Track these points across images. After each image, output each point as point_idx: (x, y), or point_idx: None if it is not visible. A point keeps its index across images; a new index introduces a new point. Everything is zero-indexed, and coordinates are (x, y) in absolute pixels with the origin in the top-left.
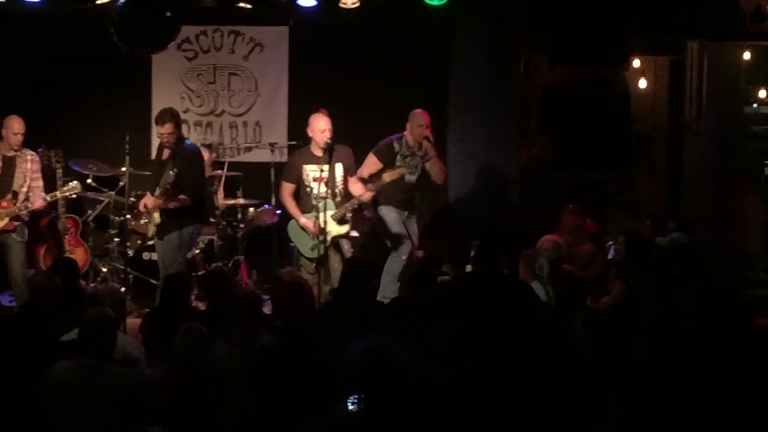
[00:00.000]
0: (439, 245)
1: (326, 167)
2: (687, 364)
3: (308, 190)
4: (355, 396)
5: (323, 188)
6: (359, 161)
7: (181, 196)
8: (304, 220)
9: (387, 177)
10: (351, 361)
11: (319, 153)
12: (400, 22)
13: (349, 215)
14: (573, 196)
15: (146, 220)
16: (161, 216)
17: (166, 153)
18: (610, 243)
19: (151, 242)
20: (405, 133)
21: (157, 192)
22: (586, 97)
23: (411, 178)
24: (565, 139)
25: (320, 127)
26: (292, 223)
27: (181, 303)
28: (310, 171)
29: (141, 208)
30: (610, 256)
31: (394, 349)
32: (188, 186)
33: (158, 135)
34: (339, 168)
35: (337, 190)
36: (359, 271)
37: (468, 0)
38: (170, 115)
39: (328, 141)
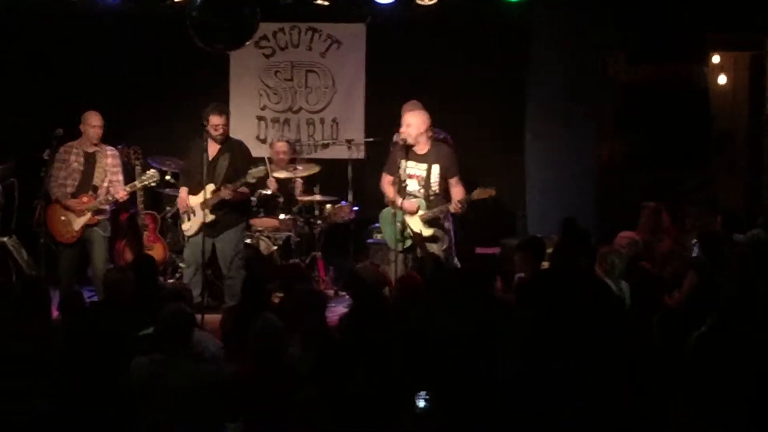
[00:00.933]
0: (514, 243)
1: (423, 166)
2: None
3: (404, 185)
4: (426, 393)
5: (417, 185)
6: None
7: (242, 189)
8: (402, 201)
9: (476, 195)
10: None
11: (420, 150)
12: (477, 18)
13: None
14: (651, 194)
15: (188, 220)
16: (217, 213)
17: (213, 149)
18: (695, 241)
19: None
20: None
21: (211, 188)
22: (665, 94)
23: None
24: (643, 137)
25: (407, 121)
26: (384, 212)
27: (262, 300)
28: (409, 167)
29: (182, 207)
30: (694, 254)
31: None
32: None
33: (214, 127)
34: (436, 168)
35: (431, 191)
36: (439, 267)
37: None
38: (227, 108)
39: (417, 137)
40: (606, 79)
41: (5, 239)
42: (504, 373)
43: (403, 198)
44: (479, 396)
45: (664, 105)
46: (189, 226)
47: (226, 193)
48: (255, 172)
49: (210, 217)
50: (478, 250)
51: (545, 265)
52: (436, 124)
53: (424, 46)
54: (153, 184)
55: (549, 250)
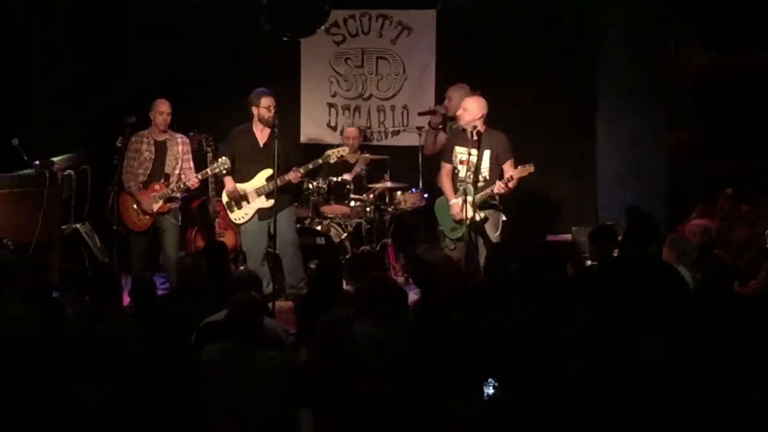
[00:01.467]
0: (585, 230)
1: (474, 151)
2: None
3: (456, 171)
4: (493, 380)
5: (468, 172)
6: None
7: (297, 170)
8: (453, 201)
9: (516, 174)
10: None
11: (470, 136)
12: (548, 5)
13: (493, 201)
14: (726, 183)
15: (238, 208)
16: (276, 196)
17: (262, 134)
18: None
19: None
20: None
21: (266, 173)
22: (741, 81)
23: None
24: (719, 126)
25: (466, 106)
26: (439, 200)
27: (333, 286)
28: (459, 153)
29: (232, 196)
30: None
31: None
32: (293, 161)
33: (268, 108)
34: (487, 154)
35: (481, 176)
36: (502, 256)
37: None
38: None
39: (476, 125)
40: (679, 66)
41: (78, 226)
42: (572, 364)
43: (456, 187)
44: (547, 386)
45: (739, 93)
46: (243, 215)
47: (294, 176)
48: (335, 153)
49: (269, 203)
50: (550, 238)
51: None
52: (506, 111)
53: (495, 32)
54: (225, 172)
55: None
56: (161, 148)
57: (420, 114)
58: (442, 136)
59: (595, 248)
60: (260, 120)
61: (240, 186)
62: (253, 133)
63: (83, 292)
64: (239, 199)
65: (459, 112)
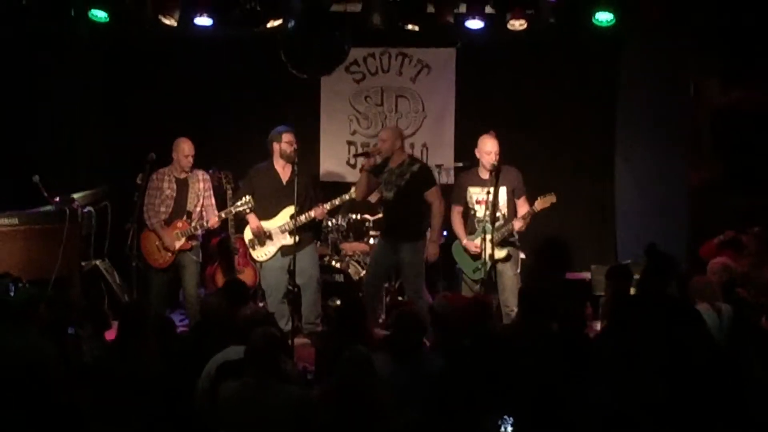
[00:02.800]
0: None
1: (491, 189)
2: None
3: (472, 212)
4: (510, 417)
5: (486, 210)
6: (527, 182)
7: (323, 206)
8: (466, 240)
9: (538, 206)
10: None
11: (485, 175)
12: (567, 42)
13: (512, 238)
14: (747, 220)
15: (261, 246)
16: (299, 233)
17: (285, 171)
18: None
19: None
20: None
21: (290, 211)
22: (761, 118)
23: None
24: (738, 162)
25: (486, 148)
26: (456, 243)
27: (357, 325)
28: (474, 193)
29: (256, 234)
30: None
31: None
32: (314, 197)
33: (290, 143)
34: (503, 190)
35: (499, 214)
36: (532, 299)
37: (637, 20)
38: None
39: (494, 163)
40: (698, 104)
41: (98, 262)
42: (592, 402)
43: (473, 226)
44: (567, 425)
45: (759, 129)
46: (265, 252)
47: (320, 212)
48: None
49: (291, 240)
50: (569, 276)
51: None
52: (526, 148)
53: (514, 70)
54: (248, 211)
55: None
56: (183, 186)
57: (356, 155)
58: (373, 180)
59: (609, 285)
60: (282, 156)
61: (263, 224)
62: (275, 171)
63: (100, 329)
64: (263, 236)
65: (477, 154)
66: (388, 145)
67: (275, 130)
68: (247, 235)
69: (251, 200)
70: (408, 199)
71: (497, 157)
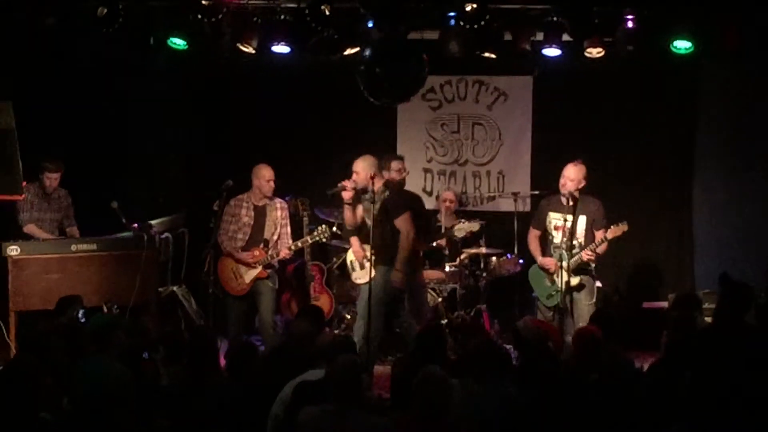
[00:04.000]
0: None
1: (569, 217)
2: None
3: (550, 237)
4: None
5: (563, 237)
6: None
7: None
8: (542, 258)
9: (611, 234)
10: None
11: (566, 202)
12: (645, 70)
13: (588, 267)
14: None
15: (360, 269)
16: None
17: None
18: None
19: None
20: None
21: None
22: None
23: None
24: None
25: (568, 175)
26: (532, 268)
27: (436, 352)
28: (554, 219)
29: (359, 257)
30: None
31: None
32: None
33: (398, 171)
34: (582, 220)
35: (576, 242)
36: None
37: (715, 47)
38: None
39: (571, 192)
40: None
41: (175, 288)
42: None
43: (549, 251)
44: None
45: None
46: (364, 274)
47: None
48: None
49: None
50: (646, 305)
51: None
52: (604, 176)
53: (591, 98)
54: (324, 240)
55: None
56: (260, 213)
57: (329, 193)
58: (359, 209)
59: (676, 315)
60: (391, 183)
61: (366, 246)
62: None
63: (175, 354)
64: (363, 259)
65: (563, 182)
66: (362, 176)
67: (386, 157)
68: (350, 256)
69: (327, 230)
70: (383, 225)
71: (575, 186)
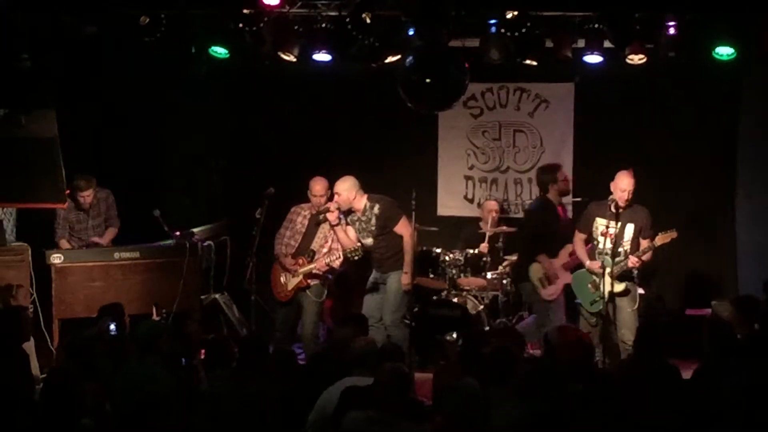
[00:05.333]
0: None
1: (617, 224)
2: None
3: (595, 242)
4: None
5: (608, 244)
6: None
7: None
8: (589, 262)
9: (659, 241)
10: None
11: (615, 209)
12: (687, 76)
13: (632, 275)
14: None
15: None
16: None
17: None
18: None
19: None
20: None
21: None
22: None
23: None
24: None
25: (622, 185)
26: (575, 274)
27: (479, 359)
28: (600, 224)
29: (547, 271)
30: None
31: None
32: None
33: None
34: (630, 228)
35: (621, 249)
36: (648, 337)
37: (757, 52)
38: None
39: (627, 199)
40: None
41: (217, 296)
42: None
43: (594, 257)
44: None
45: None
46: (553, 290)
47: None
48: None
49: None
50: (688, 312)
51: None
52: (647, 183)
53: (633, 105)
54: (356, 257)
55: None
56: (314, 224)
57: (320, 217)
58: (350, 229)
59: (734, 319)
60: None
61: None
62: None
63: (220, 359)
64: (552, 275)
65: (615, 190)
66: (344, 198)
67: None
68: (537, 273)
69: (359, 248)
70: (385, 239)
71: (630, 195)
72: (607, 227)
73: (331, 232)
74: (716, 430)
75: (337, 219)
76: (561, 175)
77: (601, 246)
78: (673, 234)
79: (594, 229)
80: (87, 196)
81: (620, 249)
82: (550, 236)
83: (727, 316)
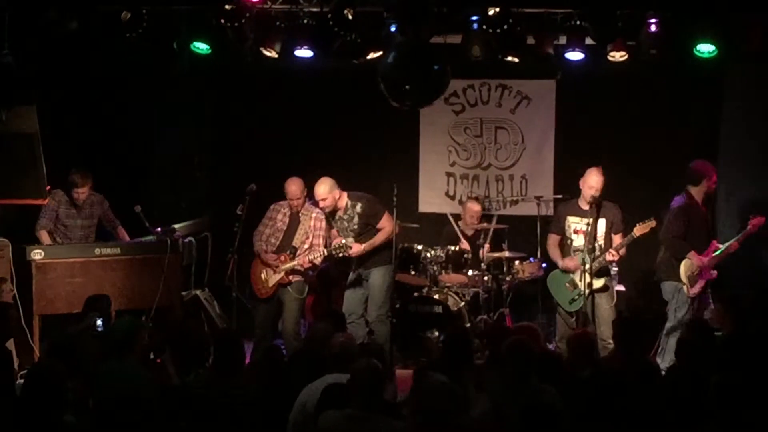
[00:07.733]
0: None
1: (590, 221)
2: None
3: (569, 242)
4: None
5: (582, 241)
6: (627, 214)
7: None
8: (563, 260)
9: (638, 231)
10: None
11: (585, 206)
12: (669, 74)
13: (612, 271)
14: None
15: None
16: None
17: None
18: None
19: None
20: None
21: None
22: None
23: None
24: None
25: (590, 182)
26: (551, 275)
27: (462, 357)
28: (573, 223)
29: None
30: None
31: None
32: None
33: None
34: (602, 223)
35: (596, 245)
36: (629, 330)
37: (739, 50)
38: None
39: (594, 195)
40: None
41: (198, 292)
42: None
43: (569, 255)
44: None
45: None
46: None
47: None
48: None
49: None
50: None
51: None
52: (626, 181)
53: (615, 102)
54: (342, 255)
55: None
56: (294, 221)
57: (330, 253)
58: (333, 231)
59: (718, 316)
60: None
61: None
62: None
63: (195, 356)
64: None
65: (581, 185)
66: (329, 201)
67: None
68: (687, 270)
69: (345, 246)
70: (367, 237)
71: (598, 192)
72: (588, 225)
73: (312, 228)
74: (696, 428)
75: (360, 251)
76: (714, 178)
77: (576, 243)
78: (652, 223)
79: (567, 228)
80: (82, 192)
81: (596, 245)
82: (696, 233)
83: (709, 313)
